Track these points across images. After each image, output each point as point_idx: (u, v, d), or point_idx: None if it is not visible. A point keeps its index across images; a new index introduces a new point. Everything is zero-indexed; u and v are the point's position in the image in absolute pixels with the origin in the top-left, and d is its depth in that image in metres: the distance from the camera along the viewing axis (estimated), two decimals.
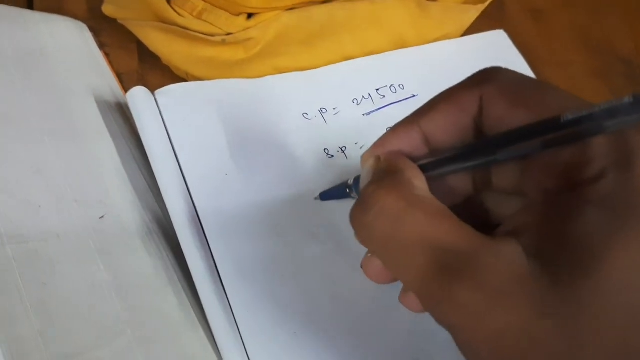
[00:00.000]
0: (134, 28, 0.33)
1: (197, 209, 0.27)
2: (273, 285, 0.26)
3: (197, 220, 0.27)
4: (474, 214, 0.20)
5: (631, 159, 0.16)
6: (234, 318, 0.25)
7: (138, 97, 0.29)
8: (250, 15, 0.32)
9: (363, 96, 0.33)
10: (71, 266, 0.23)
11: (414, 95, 0.33)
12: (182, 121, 0.29)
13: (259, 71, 0.32)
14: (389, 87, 0.33)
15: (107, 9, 0.34)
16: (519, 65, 0.36)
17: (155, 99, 0.29)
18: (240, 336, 0.24)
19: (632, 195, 0.15)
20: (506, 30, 0.38)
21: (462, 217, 0.18)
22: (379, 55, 0.34)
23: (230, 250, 0.26)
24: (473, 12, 0.37)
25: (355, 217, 0.19)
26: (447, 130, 0.20)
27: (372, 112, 0.32)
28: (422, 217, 0.17)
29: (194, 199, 0.27)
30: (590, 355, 0.15)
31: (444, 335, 0.17)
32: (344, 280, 0.27)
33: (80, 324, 0.22)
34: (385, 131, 0.31)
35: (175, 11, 0.32)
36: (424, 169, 0.19)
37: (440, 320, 0.17)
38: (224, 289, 0.25)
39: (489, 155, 0.19)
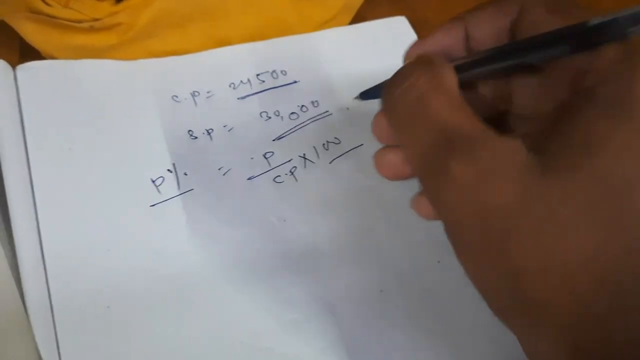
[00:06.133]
0: (12, 21, 0.33)
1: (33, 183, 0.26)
2: (89, 258, 0.25)
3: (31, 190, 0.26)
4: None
5: (635, 63, 0.17)
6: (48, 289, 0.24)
7: None
8: (119, 0, 0.31)
9: (241, 81, 0.32)
10: None
11: (295, 81, 0.32)
12: (39, 98, 0.28)
13: (132, 55, 0.31)
14: (270, 72, 0.32)
15: None
16: None
17: (15, 75, 0.28)
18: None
19: (629, 98, 0.16)
20: (411, 11, 0.36)
21: None
22: (264, 41, 0.33)
23: (57, 223, 0.25)
24: None
25: (387, 89, 0.21)
26: (487, 30, 0.22)
27: (248, 96, 0.31)
28: (443, 101, 0.19)
29: (32, 171, 0.26)
30: (571, 238, 0.16)
31: None
32: (160, 252, 0.26)
33: None
34: (258, 116, 0.30)
35: (44, 1, 0.31)
36: (459, 68, 0.21)
37: (432, 196, 0.19)
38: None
39: (519, 57, 0.20)
